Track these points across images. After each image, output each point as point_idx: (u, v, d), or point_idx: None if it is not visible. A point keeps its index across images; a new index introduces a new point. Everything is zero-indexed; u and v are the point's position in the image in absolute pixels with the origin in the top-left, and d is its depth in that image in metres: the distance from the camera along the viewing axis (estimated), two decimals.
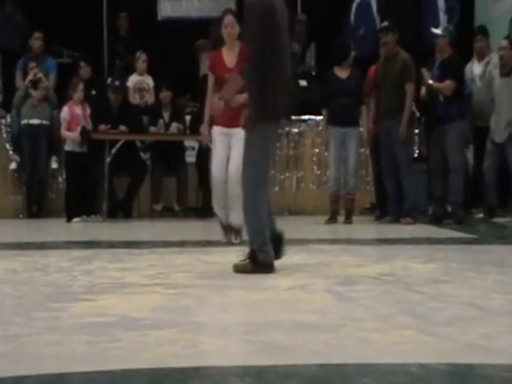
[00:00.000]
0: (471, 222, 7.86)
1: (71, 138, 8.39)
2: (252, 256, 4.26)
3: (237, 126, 5.06)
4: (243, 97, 4.64)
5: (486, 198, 8.03)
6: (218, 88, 5.34)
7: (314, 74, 10.00)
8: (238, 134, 5.02)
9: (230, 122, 5.38)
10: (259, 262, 4.23)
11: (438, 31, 7.88)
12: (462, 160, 7.75)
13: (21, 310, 3.27)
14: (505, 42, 7.91)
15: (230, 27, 5.72)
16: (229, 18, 5.76)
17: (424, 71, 7.70)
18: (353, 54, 7.93)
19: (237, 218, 5.38)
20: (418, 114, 8.36)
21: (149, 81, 9.50)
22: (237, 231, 5.77)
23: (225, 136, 5.72)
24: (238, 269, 4.27)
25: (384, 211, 8.03)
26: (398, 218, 7.69)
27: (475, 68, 8.29)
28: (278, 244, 4.37)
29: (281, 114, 4.41)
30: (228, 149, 5.70)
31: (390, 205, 7.89)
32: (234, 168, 5.40)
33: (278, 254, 4.37)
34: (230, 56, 5.71)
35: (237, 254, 5.11)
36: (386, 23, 8.15)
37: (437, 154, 7.78)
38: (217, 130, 5.75)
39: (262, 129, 4.23)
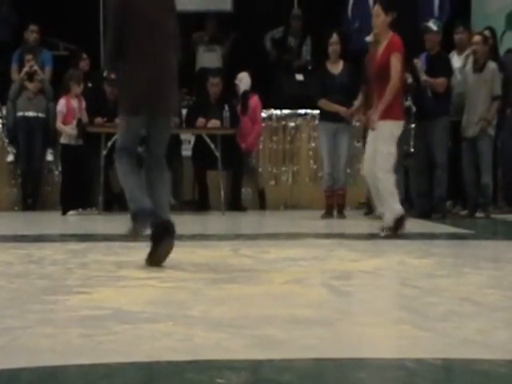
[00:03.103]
0: (455, 217, 7.89)
1: (67, 132, 8.37)
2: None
3: None
4: None
5: (468, 195, 8.03)
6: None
7: (310, 68, 9.99)
8: None
9: None
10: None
11: (434, 27, 7.88)
12: (447, 155, 7.77)
13: (16, 303, 3.26)
14: (478, 38, 7.91)
15: (375, 16, 5.81)
16: (375, 8, 5.83)
17: (417, 62, 7.71)
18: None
19: None
20: (414, 109, 8.33)
21: None
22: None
23: None
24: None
25: (371, 207, 8.06)
26: None
27: (455, 61, 8.29)
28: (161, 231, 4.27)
29: (142, 108, 4.37)
30: None
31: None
32: None
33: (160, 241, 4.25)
34: (379, 49, 5.82)
35: (231, 249, 5.13)
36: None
37: (422, 149, 7.81)
38: None
39: (123, 120, 4.47)
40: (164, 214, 4.35)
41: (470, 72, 7.96)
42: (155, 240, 4.22)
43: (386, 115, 5.69)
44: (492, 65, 8.00)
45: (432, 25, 8.01)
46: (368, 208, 8.15)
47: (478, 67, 7.81)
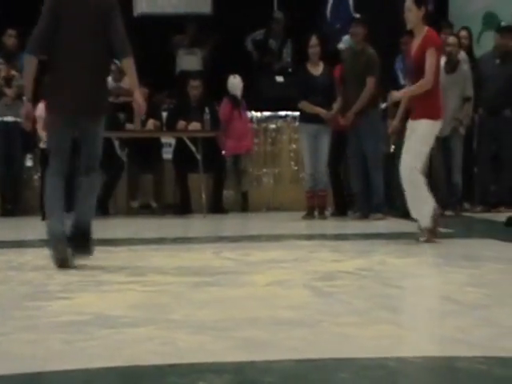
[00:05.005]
0: None
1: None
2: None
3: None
4: None
5: (439, 194, 8.08)
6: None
7: (290, 70, 10.02)
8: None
9: None
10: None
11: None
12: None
13: None
14: (453, 40, 7.97)
15: (407, 11, 5.57)
16: (407, 3, 5.58)
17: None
18: None
19: None
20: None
21: (125, 78, 9.45)
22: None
23: None
24: None
25: (338, 208, 8.19)
26: (368, 214, 7.69)
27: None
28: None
29: (66, 108, 4.38)
30: None
31: (358, 201, 7.93)
32: None
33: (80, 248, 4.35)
34: (415, 44, 5.65)
35: (213, 251, 5.12)
36: (358, 15, 8.30)
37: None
38: None
39: (49, 120, 4.54)
40: (83, 219, 4.36)
41: (443, 72, 8.02)
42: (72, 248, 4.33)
43: (423, 114, 5.46)
44: (464, 66, 8.10)
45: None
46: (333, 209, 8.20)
47: (451, 68, 7.87)
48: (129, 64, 4.46)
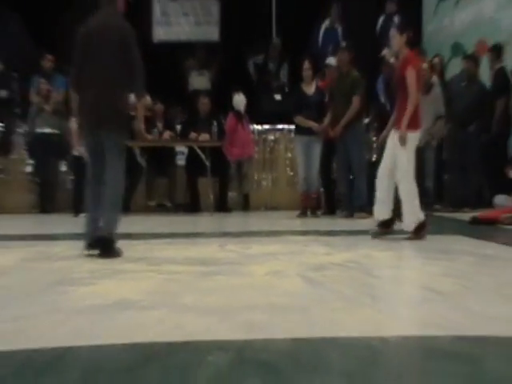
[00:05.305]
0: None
1: (79, 146, 8.31)
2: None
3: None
4: None
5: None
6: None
7: (286, 89, 10.00)
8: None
9: None
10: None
11: (392, 59, 7.94)
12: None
13: (30, 293, 3.21)
14: (426, 65, 7.96)
15: (392, 37, 5.68)
16: (391, 31, 5.74)
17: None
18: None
19: None
20: (375, 124, 8.37)
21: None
22: None
23: None
24: None
25: (328, 207, 8.13)
26: (353, 213, 7.66)
27: None
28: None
29: (89, 123, 4.50)
30: None
31: (345, 202, 7.89)
32: None
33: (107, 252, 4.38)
34: (398, 64, 5.65)
35: (219, 245, 5.08)
36: (344, 44, 8.30)
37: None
38: None
39: (81, 134, 4.72)
40: (105, 226, 4.40)
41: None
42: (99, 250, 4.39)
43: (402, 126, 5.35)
44: (437, 89, 8.15)
45: (387, 54, 8.13)
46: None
47: (426, 90, 7.85)
48: (140, 105, 4.67)
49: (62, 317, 2.67)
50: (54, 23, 9.78)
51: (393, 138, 5.41)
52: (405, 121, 5.27)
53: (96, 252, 4.38)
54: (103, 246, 4.38)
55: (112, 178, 4.45)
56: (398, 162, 5.36)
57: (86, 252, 4.43)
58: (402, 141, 5.28)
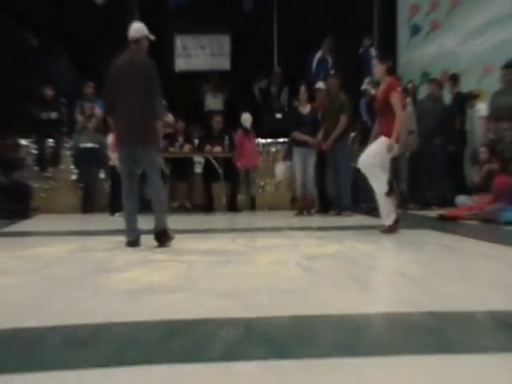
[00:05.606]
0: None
1: (114, 158, 8.35)
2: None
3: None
4: None
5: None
6: None
7: (286, 109, 10.00)
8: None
9: None
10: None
11: (372, 91, 7.95)
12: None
13: (75, 279, 3.23)
14: (399, 89, 7.96)
15: (374, 66, 5.58)
16: (373, 61, 5.61)
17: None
18: None
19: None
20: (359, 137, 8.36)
21: (169, 115, 9.47)
22: None
23: None
24: None
25: (322, 207, 8.09)
26: (341, 212, 7.68)
27: None
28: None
29: (125, 141, 4.59)
30: None
31: (334, 203, 7.90)
32: None
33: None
34: (380, 90, 5.50)
35: (230, 239, 5.10)
36: (333, 72, 8.39)
37: None
38: None
39: (117, 151, 4.75)
40: (157, 223, 4.60)
41: None
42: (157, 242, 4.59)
43: (385, 133, 5.26)
44: (409, 108, 8.18)
45: (368, 85, 8.20)
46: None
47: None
48: (159, 124, 4.64)
49: (103, 298, 2.70)
50: (95, 57, 9.83)
51: (372, 142, 5.39)
52: (394, 134, 5.24)
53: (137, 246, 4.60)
54: (159, 239, 4.56)
55: (154, 185, 4.60)
56: (368, 150, 5.30)
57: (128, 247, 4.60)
58: (390, 148, 5.24)
